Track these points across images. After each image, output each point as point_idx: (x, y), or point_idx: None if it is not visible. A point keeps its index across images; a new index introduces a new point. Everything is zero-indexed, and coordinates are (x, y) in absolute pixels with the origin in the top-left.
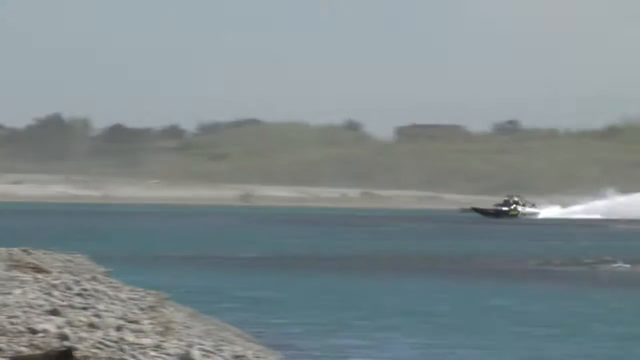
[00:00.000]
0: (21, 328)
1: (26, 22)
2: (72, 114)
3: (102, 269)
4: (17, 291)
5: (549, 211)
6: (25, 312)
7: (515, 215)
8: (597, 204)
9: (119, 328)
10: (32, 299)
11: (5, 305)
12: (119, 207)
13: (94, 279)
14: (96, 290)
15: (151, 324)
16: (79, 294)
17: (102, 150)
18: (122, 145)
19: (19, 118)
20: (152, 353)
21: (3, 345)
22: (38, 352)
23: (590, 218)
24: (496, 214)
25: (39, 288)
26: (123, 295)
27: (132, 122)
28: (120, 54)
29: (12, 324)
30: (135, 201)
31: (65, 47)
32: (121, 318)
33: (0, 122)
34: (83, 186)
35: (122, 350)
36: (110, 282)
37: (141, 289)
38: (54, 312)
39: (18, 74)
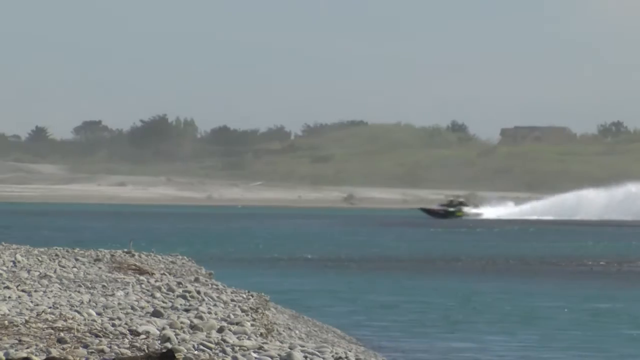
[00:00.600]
0: (123, 330)
1: (137, 24)
2: (178, 116)
3: (205, 271)
4: (120, 293)
5: (495, 211)
6: (127, 313)
7: (460, 216)
8: (546, 203)
9: (221, 330)
10: (135, 300)
11: (107, 307)
12: (222, 208)
13: (196, 280)
14: (198, 292)
15: (253, 325)
16: (181, 296)
17: (207, 152)
18: (227, 146)
19: (124, 119)
20: (254, 355)
21: (105, 347)
22: (139, 354)
23: (542, 219)
24: (444, 214)
25: (141, 290)
26: (225, 297)
27: (237, 123)
28: (226, 54)
29: (114, 325)
30: (239, 203)
31: (173, 47)
32: (223, 320)
33: (105, 124)
34: (187, 188)
35: (224, 352)
36: (213, 284)
37: (244, 291)
38: (156, 314)
39: (125, 75)
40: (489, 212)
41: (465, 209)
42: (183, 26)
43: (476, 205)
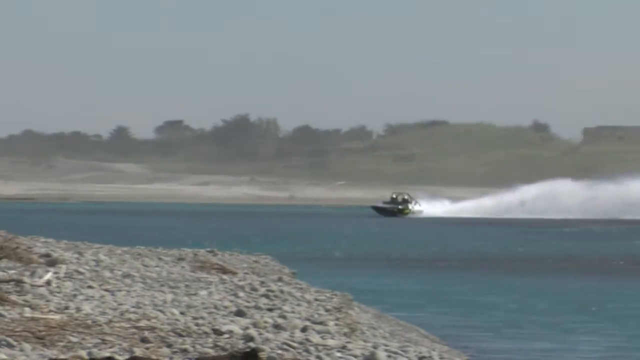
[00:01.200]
0: (206, 329)
1: (219, 24)
2: (260, 115)
3: (288, 270)
4: (203, 292)
5: (432, 208)
6: (210, 313)
7: (407, 214)
8: (483, 202)
9: (304, 329)
10: (218, 300)
11: (191, 306)
12: (305, 208)
13: (280, 280)
14: (282, 292)
15: (337, 325)
16: (264, 295)
17: (289, 152)
18: (309, 146)
19: (206, 119)
20: (338, 354)
21: (188, 347)
22: (223, 353)
23: (478, 217)
24: (395, 212)
25: (224, 289)
26: (309, 297)
27: (319, 123)
28: (308, 53)
29: (197, 325)
30: (321, 202)
31: (252, 48)
32: (307, 319)
33: (187, 123)
34: (269, 187)
35: (307, 351)
36: (296, 283)
37: (327, 290)
38: (240, 313)
39: (206, 74)
40: (427, 209)
41: (411, 206)
42: (266, 26)
43: (417, 202)
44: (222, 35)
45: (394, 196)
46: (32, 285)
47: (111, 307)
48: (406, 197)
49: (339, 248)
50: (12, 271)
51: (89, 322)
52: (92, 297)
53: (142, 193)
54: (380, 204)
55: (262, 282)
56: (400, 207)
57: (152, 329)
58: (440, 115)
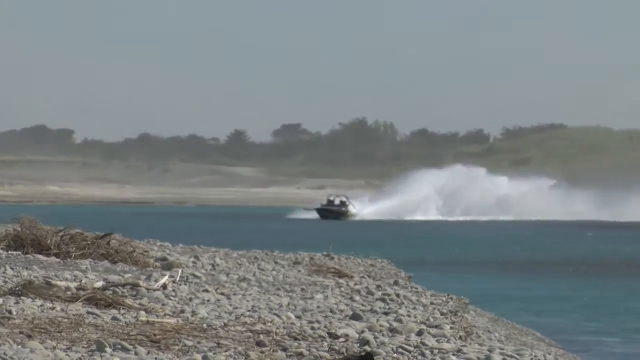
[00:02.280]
0: (322, 333)
1: (335, 29)
2: (377, 119)
3: (405, 274)
4: (319, 296)
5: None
6: (326, 317)
7: (349, 216)
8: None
9: (420, 333)
10: (334, 303)
11: (306, 310)
12: None
13: (396, 284)
14: (398, 295)
15: (453, 328)
16: (380, 299)
17: (406, 155)
18: (427, 149)
19: (324, 123)
20: (453, 358)
21: (304, 351)
22: (338, 357)
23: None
24: (340, 214)
25: (340, 293)
26: (425, 300)
27: (436, 126)
28: (425, 58)
29: (313, 329)
30: None
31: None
32: (423, 323)
33: (305, 127)
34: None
35: (423, 354)
36: (413, 287)
37: (443, 294)
38: (356, 317)
39: (324, 78)
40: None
41: (350, 208)
42: (384, 29)
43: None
44: (340, 39)
45: (331, 198)
46: (148, 289)
47: (227, 311)
48: (344, 199)
49: (456, 252)
50: (128, 275)
51: (205, 326)
52: (208, 301)
53: (258, 197)
54: (327, 206)
55: (379, 286)
56: (344, 209)
57: (267, 332)
58: (557, 119)
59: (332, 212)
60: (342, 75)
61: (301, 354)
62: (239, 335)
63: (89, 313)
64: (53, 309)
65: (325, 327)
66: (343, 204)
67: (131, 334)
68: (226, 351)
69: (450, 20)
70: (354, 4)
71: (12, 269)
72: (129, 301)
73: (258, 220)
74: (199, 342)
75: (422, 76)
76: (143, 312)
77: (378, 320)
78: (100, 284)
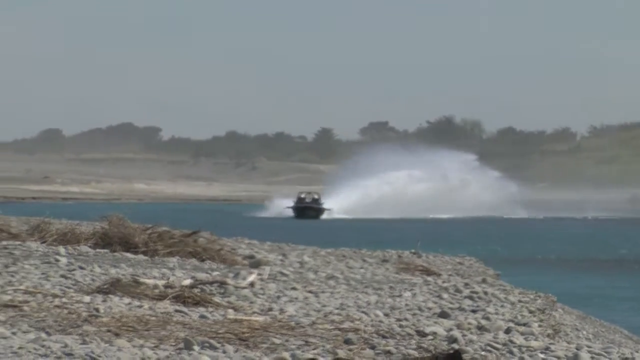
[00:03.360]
0: (410, 331)
1: (423, 28)
2: (464, 117)
3: (492, 272)
4: (407, 294)
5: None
6: (414, 314)
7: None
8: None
9: (508, 330)
10: (422, 301)
11: (394, 307)
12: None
13: (483, 281)
14: (486, 293)
15: (540, 326)
16: (468, 297)
17: (493, 153)
18: (513, 147)
19: (411, 120)
20: (541, 355)
21: (391, 348)
22: (426, 355)
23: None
24: (319, 211)
25: (428, 291)
26: (513, 298)
27: (523, 124)
28: (507, 54)
29: (401, 326)
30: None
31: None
32: (510, 320)
33: (392, 125)
34: None
35: (510, 352)
36: (500, 285)
37: (531, 292)
38: (443, 315)
39: (411, 76)
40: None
41: (325, 206)
42: (471, 26)
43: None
44: (427, 37)
45: (302, 196)
46: (236, 287)
47: (315, 308)
48: (316, 196)
49: (543, 250)
50: (216, 273)
51: (293, 323)
52: (296, 298)
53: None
54: (304, 203)
55: (466, 284)
56: (323, 207)
57: (355, 330)
58: None
59: (312, 209)
60: (429, 72)
61: (389, 352)
62: (327, 333)
63: (176, 311)
64: (140, 306)
65: (413, 324)
66: (316, 200)
67: (219, 331)
68: (314, 349)
69: (544, 17)
70: (449, 3)
71: (100, 266)
72: (217, 299)
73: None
74: (286, 340)
75: (508, 73)
76: (231, 310)
77: (466, 318)
78: (187, 282)
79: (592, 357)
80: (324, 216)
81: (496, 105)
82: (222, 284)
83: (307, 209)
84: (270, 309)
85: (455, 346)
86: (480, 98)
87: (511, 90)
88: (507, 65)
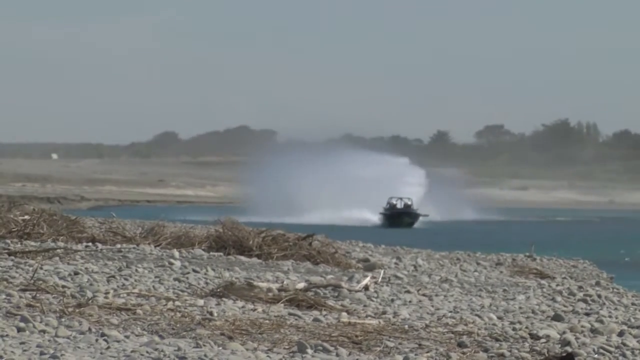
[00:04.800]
0: (523, 334)
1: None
2: (580, 120)
3: (606, 275)
4: (521, 297)
5: None
6: (527, 317)
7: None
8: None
9: (621, 333)
10: (535, 304)
11: (508, 310)
12: (625, 212)
13: (597, 284)
14: (599, 296)
15: None
16: (582, 300)
17: (609, 156)
18: (629, 150)
19: (526, 123)
20: None
21: (504, 351)
22: (539, 358)
23: None
24: (412, 218)
25: (542, 294)
26: (626, 301)
27: (639, 127)
28: (625, 56)
29: (514, 329)
30: None
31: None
32: (624, 323)
33: (507, 128)
34: (589, 192)
35: (623, 355)
36: (614, 288)
37: None
38: (557, 318)
39: (527, 79)
40: None
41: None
42: (587, 26)
43: None
44: (546, 39)
45: (394, 201)
46: (350, 290)
47: (428, 311)
48: (409, 201)
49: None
50: (330, 276)
51: (406, 326)
52: (410, 301)
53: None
54: (397, 210)
55: (580, 287)
56: (418, 213)
57: (469, 333)
58: None
59: (412, 215)
60: (543, 75)
61: (502, 355)
62: (440, 336)
63: (290, 314)
64: (254, 310)
65: (527, 327)
66: (409, 207)
67: (332, 335)
68: (427, 352)
69: None
70: (540, 3)
71: (214, 270)
72: (331, 302)
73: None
74: (400, 343)
75: (624, 77)
76: (344, 313)
77: (579, 321)
78: (301, 285)
79: None
80: (417, 224)
81: (612, 108)
82: (336, 287)
83: (403, 216)
84: (384, 312)
85: (568, 349)
86: (596, 101)
87: (628, 93)
88: (625, 67)
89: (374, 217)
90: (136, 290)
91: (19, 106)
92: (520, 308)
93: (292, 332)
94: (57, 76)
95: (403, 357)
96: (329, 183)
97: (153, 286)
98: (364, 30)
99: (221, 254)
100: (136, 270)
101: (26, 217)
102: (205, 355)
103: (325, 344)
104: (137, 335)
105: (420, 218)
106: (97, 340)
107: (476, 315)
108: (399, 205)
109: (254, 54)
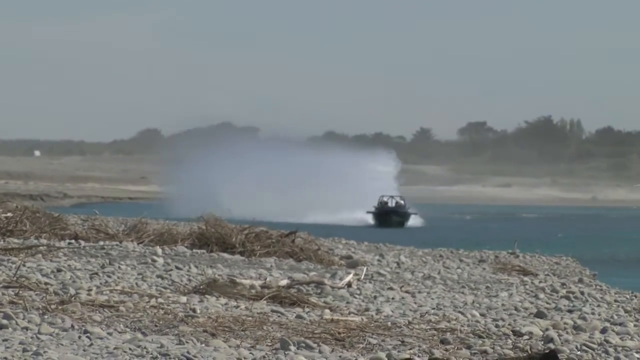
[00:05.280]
0: (506, 330)
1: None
2: (563, 116)
3: (589, 272)
4: (504, 294)
5: None
6: (510, 314)
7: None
8: None
9: (604, 330)
10: (518, 301)
11: (491, 307)
12: (607, 210)
13: (580, 281)
14: (582, 293)
15: (636, 326)
16: (565, 297)
17: (591, 153)
18: (612, 147)
19: (509, 121)
20: (637, 355)
21: (487, 348)
22: (522, 354)
23: None
24: (402, 217)
25: (525, 290)
26: (609, 298)
27: (622, 124)
28: (608, 53)
29: (497, 326)
30: (623, 205)
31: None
32: (606, 320)
33: (490, 125)
34: (571, 189)
35: (606, 352)
36: (597, 285)
37: (627, 292)
38: (540, 315)
39: (508, 76)
40: None
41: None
42: (574, 26)
43: None
44: (522, 37)
45: (385, 199)
46: (333, 287)
47: (411, 308)
48: (401, 200)
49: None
50: (313, 273)
51: (389, 323)
52: (393, 298)
53: (443, 195)
54: (388, 208)
55: (563, 284)
56: (409, 212)
57: (452, 330)
58: None
59: (405, 215)
60: (526, 73)
61: (485, 352)
62: (423, 333)
63: (273, 311)
64: (237, 307)
65: (509, 324)
66: (400, 206)
67: (315, 331)
68: (410, 349)
69: None
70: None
71: (197, 267)
72: (314, 299)
73: (444, 218)
74: (383, 340)
75: (606, 73)
76: (327, 310)
77: (562, 318)
78: (284, 282)
79: None
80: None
81: (594, 105)
82: (319, 284)
83: (392, 214)
84: (367, 309)
85: (551, 346)
86: (578, 98)
87: (610, 89)
88: (605, 63)
89: (367, 217)
90: (119, 287)
91: (0, 103)
92: (503, 305)
93: (275, 329)
94: (41, 74)
95: (386, 354)
96: (316, 182)
97: (136, 283)
98: (349, 29)
99: (204, 251)
100: (119, 267)
101: (9, 214)
102: (188, 352)
103: (308, 341)
104: (120, 332)
105: (412, 217)
106: (80, 337)
107: (459, 312)
108: (390, 203)
109: (235, 50)
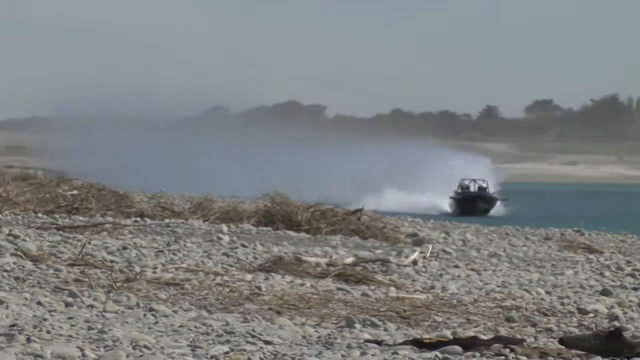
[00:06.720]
0: (571, 308)
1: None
2: (630, 95)
3: None
4: (569, 271)
5: None
6: (576, 292)
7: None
8: None
9: None
10: (584, 279)
11: (556, 285)
12: None
13: None
14: None
15: None
16: (630, 274)
17: None
18: None
19: (575, 98)
20: None
21: (552, 326)
22: (587, 332)
23: None
24: (489, 203)
25: (590, 268)
26: None
27: None
28: None
29: (562, 304)
30: None
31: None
32: None
33: (557, 103)
34: (637, 167)
35: None
36: None
37: None
38: (605, 293)
39: (576, 54)
40: None
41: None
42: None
43: None
44: (599, 11)
45: (467, 183)
46: (398, 265)
47: (477, 286)
48: (484, 184)
49: None
50: (379, 251)
51: (454, 301)
52: (458, 276)
53: (509, 172)
54: (472, 193)
55: (628, 262)
56: (496, 197)
57: (517, 308)
58: None
59: (493, 200)
60: (594, 50)
61: (550, 329)
62: (489, 311)
63: (338, 289)
64: (302, 284)
65: (575, 302)
66: (484, 189)
67: (380, 309)
68: (475, 327)
69: None
70: None
71: (262, 244)
72: (379, 277)
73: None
74: (448, 318)
75: None
76: (393, 288)
77: (627, 296)
78: (350, 260)
79: None
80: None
81: None
82: (384, 262)
83: (477, 200)
84: (433, 287)
85: (616, 324)
86: None
87: None
88: None
89: (443, 204)
90: (184, 265)
91: None
92: (568, 283)
93: (340, 307)
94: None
95: (451, 332)
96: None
97: (201, 261)
98: (414, 9)
99: (270, 228)
100: (184, 245)
101: (75, 192)
102: (253, 330)
103: (373, 319)
104: (185, 310)
105: (498, 203)
106: (145, 315)
107: (524, 290)
108: (473, 187)
109: (303, 29)
